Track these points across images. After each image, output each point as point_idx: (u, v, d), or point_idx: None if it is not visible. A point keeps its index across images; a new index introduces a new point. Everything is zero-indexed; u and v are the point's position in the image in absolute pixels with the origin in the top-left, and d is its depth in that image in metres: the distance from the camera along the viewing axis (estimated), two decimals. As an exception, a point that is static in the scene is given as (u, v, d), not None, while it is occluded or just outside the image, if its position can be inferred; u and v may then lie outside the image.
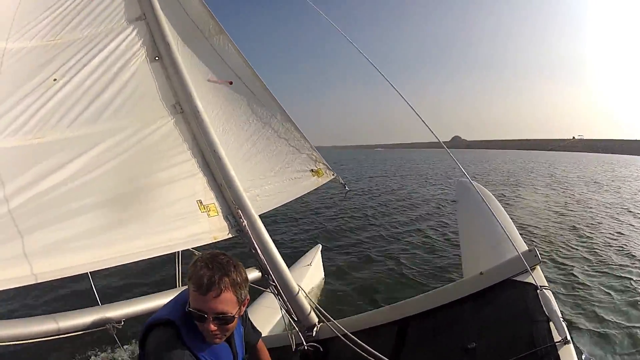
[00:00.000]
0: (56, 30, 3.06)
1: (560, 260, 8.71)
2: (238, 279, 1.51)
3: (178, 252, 2.87)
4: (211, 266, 1.47)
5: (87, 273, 2.35)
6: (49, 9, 3.16)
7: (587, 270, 7.98)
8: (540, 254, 2.57)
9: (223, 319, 1.49)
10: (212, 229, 2.56)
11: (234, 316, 1.52)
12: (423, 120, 2.58)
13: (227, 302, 1.48)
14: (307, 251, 6.57)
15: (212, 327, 1.48)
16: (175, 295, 1.72)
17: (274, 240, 2.76)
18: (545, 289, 2.38)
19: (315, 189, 3.12)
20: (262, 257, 2.60)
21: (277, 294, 2.63)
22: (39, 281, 1.95)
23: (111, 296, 4.63)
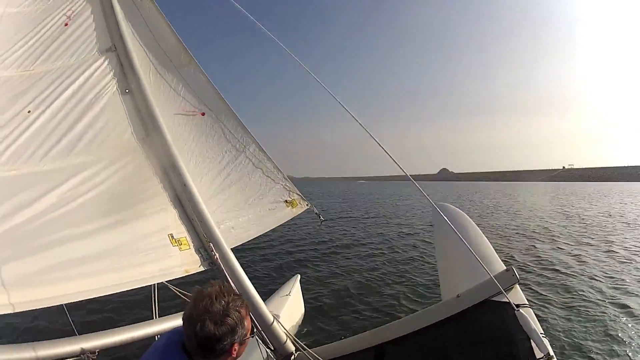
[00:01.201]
0: (30, 60, 3.18)
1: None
2: None
3: (154, 284, 2.84)
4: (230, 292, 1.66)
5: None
6: (23, 39, 3.28)
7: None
8: (518, 273, 2.63)
9: None
10: (184, 262, 2.62)
11: None
12: (388, 154, 2.71)
13: None
14: (286, 281, 6.56)
15: None
16: (160, 341, 1.76)
17: (249, 272, 2.80)
18: (524, 307, 2.44)
19: (291, 219, 3.14)
20: (235, 289, 2.59)
21: (252, 325, 2.62)
22: (16, 310, 2.01)
23: (88, 325, 4.54)
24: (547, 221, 21.86)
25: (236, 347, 1.64)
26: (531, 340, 2.14)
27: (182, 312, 1.68)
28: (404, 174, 2.77)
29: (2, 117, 2.73)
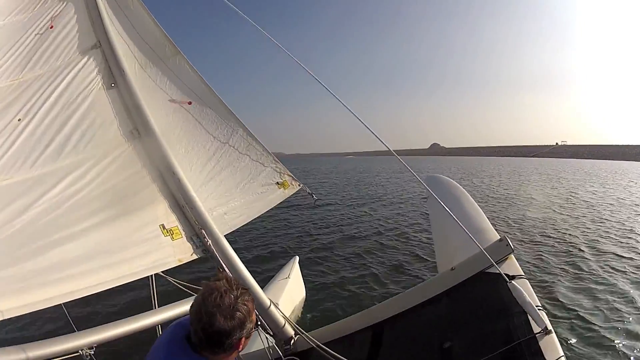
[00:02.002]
0: (18, 69, 3.31)
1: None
2: None
3: (151, 275, 2.87)
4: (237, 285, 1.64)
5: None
6: (11, 49, 3.37)
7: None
8: (512, 242, 2.54)
9: None
10: (177, 251, 2.65)
11: None
12: (370, 129, 2.64)
13: None
14: (284, 264, 6.55)
15: None
16: (164, 335, 1.75)
17: (245, 257, 2.77)
18: (519, 278, 2.35)
19: (284, 201, 3.11)
20: (230, 275, 2.59)
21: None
22: (5, 317, 2.06)
23: (88, 320, 4.64)
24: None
25: (243, 340, 1.63)
26: (527, 314, 2.05)
27: (182, 301, 1.67)
28: (388, 149, 2.70)
29: None
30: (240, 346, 1.62)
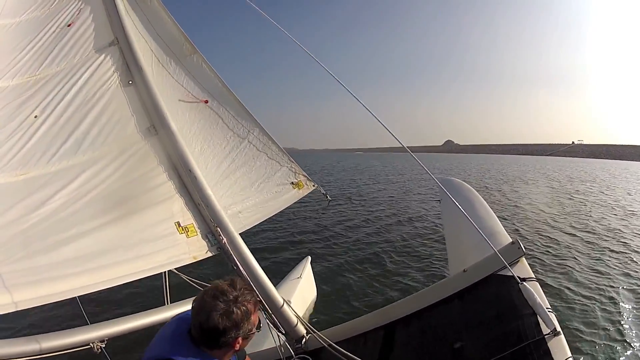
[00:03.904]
0: (35, 66, 3.28)
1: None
2: None
3: (164, 271, 2.90)
4: (240, 286, 1.72)
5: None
6: (27, 46, 3.40)
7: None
8: (524, 246, 2.55)
9: None
10: (192, 249, 2.66)
11: None
12: (383, 124, 2.64)
13: None
14: (297, 264, 6.59)
15: None
16: (168, 329, 1.78)
17: (258, 256, 2.79)
18: (530, 280, 2.37)
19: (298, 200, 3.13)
20: (244, 273, 2.68)
21: (263, 309, 2.64)
22: (18, 309, 2.07)
23: (102, 314, 4.66)
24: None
25: (239, 341, 1.68)
26: (537, 316, 2.07)
27: (194, 297, 1.72)
28: (401, 145, 2.70)
29: (11, 125, 2.84)
30: (237, 346, 1.67)
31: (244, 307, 1.64)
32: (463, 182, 4.50)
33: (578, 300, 6.71)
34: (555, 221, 14.19)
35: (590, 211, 16.76)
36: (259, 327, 1.78)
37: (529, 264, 2.53)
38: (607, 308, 6.48)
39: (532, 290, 2.21)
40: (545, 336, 1.97)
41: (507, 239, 3.03)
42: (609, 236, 11.75)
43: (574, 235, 11.89)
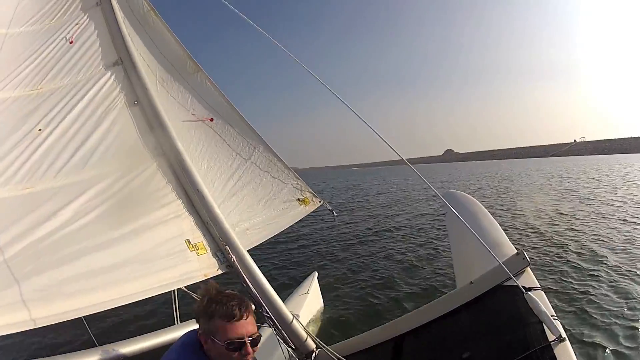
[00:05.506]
0: (38, 79, 3.27)
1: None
2: (250, 303, 1.75)
3: (174, 290, 2.90)
4: (231, 297, 1.69)
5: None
6: (29, 58, 3.36)
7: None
8: (529, 256, 2.62)
9: (256, 340, 1.69)
10: (202, 266, 2.65)
11: (260, 335, 1.72)
12: (382, 138, 2.71)
13: (254, 324, 1.71)
14: (304, 280, 6.62)
15: (250, 349, 1.64)
16: (179, 339, 1.83)
17: (266, 272, 2.81)
18: (535, 290, 2.44)
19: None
20: (253, 290, 2.68)
21: (273, 325, 2.66)
22: (37, 326, 2.03)
23: (108, 335, 4.59)
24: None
25: (203, 339, 1.70)
26: (543, 324, 2.14)
27: None
28: (401, 158, 2.77)
29: (14, 137, 2.81)
30: (205, 344, 1.69)
31: (213, 306, 1.68)
32: (466, 195, 4.58)
33: (588, 308, 6.59)
34: (558, 224, 14.23)
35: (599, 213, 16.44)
36: (233, 344, 1.65)
37: (536, 272, 2.60)
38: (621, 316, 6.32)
39: (536, 299, 2.27)
40: (551, 343, 2.03)
41: (512, 249, 3.10)
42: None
43: (577, 240, 11.80)
